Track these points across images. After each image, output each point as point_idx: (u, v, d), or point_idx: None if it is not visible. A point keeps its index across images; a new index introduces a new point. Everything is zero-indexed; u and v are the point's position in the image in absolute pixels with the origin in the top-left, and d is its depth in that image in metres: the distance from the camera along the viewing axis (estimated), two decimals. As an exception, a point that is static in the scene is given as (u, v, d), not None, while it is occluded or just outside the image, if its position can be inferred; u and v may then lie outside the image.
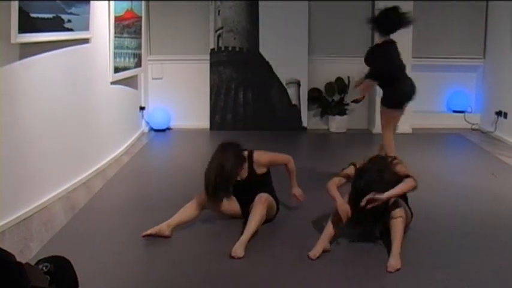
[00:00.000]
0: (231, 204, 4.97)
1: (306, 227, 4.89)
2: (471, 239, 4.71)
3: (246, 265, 4.19)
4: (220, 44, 9.14)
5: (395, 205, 4.37)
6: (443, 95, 9.36)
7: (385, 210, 4.36)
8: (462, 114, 9.22)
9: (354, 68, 9.11)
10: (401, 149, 7.78)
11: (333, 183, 4.60)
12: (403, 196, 4.58)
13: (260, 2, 9.07)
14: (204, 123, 9.24)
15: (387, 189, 4.27)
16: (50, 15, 5.35)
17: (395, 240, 4.24)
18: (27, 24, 4.89)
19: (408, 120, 8.97)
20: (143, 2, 8.31)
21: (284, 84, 9.17)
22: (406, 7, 8.72)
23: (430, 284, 3.90)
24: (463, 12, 9.28)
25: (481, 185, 6.20)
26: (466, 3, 9.20)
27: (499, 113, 8.56)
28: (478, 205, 5.62)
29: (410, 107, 9.06)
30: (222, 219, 5.10)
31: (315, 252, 4.29)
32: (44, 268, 2.87)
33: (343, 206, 4.40)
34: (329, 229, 4.44)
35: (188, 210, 4.80)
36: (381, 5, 8.79)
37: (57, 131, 5.67)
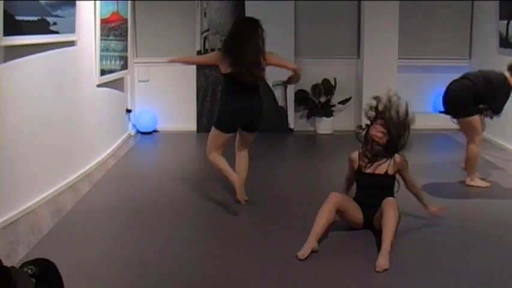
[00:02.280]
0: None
1: (294, 227, 4.88)
2: (459, 239, 4.74)
3: (235, 266, 4.18)
4: (206, 46, 9.13)
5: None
6: (429, 95, 9.39)
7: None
8: (448, 116, 9.24)
9: (340, 69, 9.17)
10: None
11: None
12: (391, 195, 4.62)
13: (246, 4, 9.07)
14: (191, 125, 9.22)
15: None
16: (35, 18, 5.33)
17: (385, 240, 4.25)
18: (12, 27, 4.87)
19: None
20: (129, 4, 8.30)
21: (270, 85, 9.16)
22: (392, 8, 8.86)
23: (418, 284, 3.92)
24: (449, 13, 9.32)
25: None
26: (452, 4, 9.24)
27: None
28: (465, 205, 5.65)
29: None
30: (211, 218, 5.10)
31: (304, 252, 4.29)
32: (29, 271, 2.85)
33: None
34: (317, 229, 4.44)
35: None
36: (367, 7, 8.87)
37: (43, 134, 5.64)
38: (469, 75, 6.12)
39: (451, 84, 6.15)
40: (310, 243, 4.36)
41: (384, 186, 4.71)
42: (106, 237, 4.84)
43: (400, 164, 4.74)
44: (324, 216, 4.45)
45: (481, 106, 5.93)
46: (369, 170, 4.73)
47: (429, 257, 4.34)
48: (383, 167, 4.71)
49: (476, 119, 5.98)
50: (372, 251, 4.38)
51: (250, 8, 9.04)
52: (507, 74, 5.96)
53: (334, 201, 4.51)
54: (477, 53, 9.12)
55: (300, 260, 4.24)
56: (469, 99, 5.95)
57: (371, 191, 4.72)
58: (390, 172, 4.71)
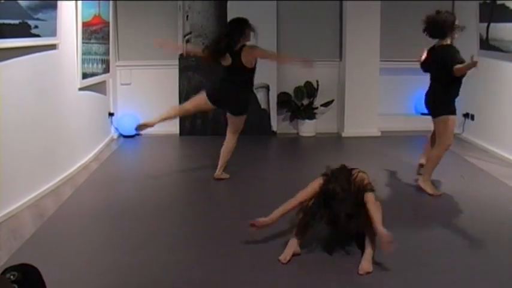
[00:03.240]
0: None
1: (278, 229, 4.89)
2: (441, 241, 4.76)
3: (217, 270, 4.18)
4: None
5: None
6: (411, 97, 9.44)
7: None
8: (430, 117, 9.30)
9: (323, 72, 9.18)
10: (370, 152, 7.87)
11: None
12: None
13: (229, 7, 9.07)
14: (174, 128, 9.20)
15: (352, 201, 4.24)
16: (16, 21, 5.29)
17: (369, 244, 4.26)
18: (-7, 30, 4.84)
19: (376, 122, 9.05)
20: (111, 7, 8.27)
21: (253, 88, 9.17)
22: (373, 10, 8.90)
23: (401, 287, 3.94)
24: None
25: (450, 186, 6.26)
26: (433, 6, 9.28)
27: (466, 115, 8.67)
28: (447, 206, 5.69)
29: (377, 109, 9.18)
30: (194, 222, 5.09)
31: (286, 255, 4.30)
32: (11, 277, 2.84)
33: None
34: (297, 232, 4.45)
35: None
36: (349, 8, 8.90)
37: (24, 138, 5.61)
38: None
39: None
40: (292, 247, 4.37)
41: None
42: (89, 241, 4.82)
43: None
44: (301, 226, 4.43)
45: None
46: None
47: (412, 258, 4.37)
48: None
49: (451, 119, 5.95)
50: (356, 254, 4.40)
51: (232, 10, 9.04)
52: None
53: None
54: (458, 55, 9.19)
55: (283, 263, 4.25)
56: (445, 97, 5.97)
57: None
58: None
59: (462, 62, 5.67)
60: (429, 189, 6.02)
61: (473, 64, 5.39)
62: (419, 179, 6.16)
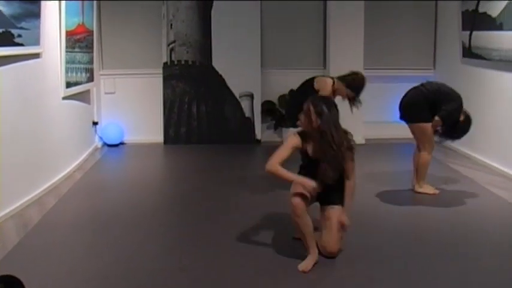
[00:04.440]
0: None
1: (264, 237, 4.88)
2: (422, 248, 4.77)
3: (202, 278, 4.17)
4: (173, 58, 9.12)
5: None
6: (395, 105, 9.46)
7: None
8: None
9: (307, 80, 9.18)
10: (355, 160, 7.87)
11: (275, 163, 4.47)
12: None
13: (212, 15, 9.08)
14: (158, 137, 9.19)
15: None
16: (0, 30, 5.27)
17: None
18: (-25, 39, 4.82)
19: (361, 130, 9.07)
20: (95, 16, 8.25)
21: (237, 97, 9.18)
22: (357, 18, 8.95)
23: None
24: (413, 24, 9.45)
25: (435, 193, 6.29)
26: (416, 14, 9.38)
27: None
28: (431, 213, 5.72)
29: (362, 117, 9.21)
30: (179, 230, 5.08)
31: (307, 265, 4.29)
32: (-6, 288, 2.82)
33: (307, 182, 4.26)
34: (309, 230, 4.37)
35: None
36: (332, 16, 8.94)
37: (7, 147, 5.56)
38: (425, 83, 6.26)
39: (407, 91, 6.37)
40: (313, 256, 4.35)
41: None
42: (73, 250, 4.79)
43: None
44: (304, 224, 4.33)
45: (436, 118, 6.01)
46: None
47: (386, 266, 4.38)
48: None
49: (427, 126, 6.10)
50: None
51: (216, 19, 9.07)
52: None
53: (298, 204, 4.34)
54: (441, 63, 9.25)
55: (304, 272, 4.23)
56: (421, 104, 6.11)
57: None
58: None
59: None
60: (428, 190, 6.28)
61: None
62: (416, 187, 6.32)
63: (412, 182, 6.41)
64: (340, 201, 4.49)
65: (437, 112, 5.99)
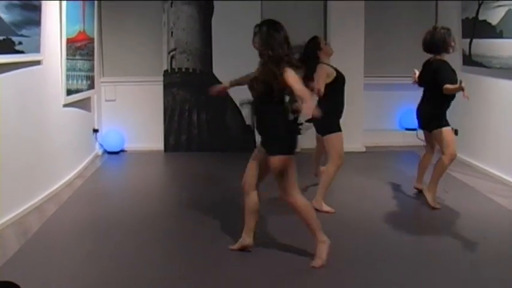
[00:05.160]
0: None
1: (264, 245, 4.88)
2: (422, 255, 4.77)
3: (202, 286, 4.16)
4: (173, 66, 9.12)
5: None
6: (395, 113, 9.50)
7: None
8: (414, 132, 9.31)
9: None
10: (355, 168, 7.87)
11: None
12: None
13: (213, 23, 9.10)
14: (158, 145, 9.19)
15: None
16: (0, 38, 5.28)
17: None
18: (-24, 47, 4.82)
19: (361, 138, 9.08)
20: (95, 23, 8.27)
21: (238, 104, 9.18)
22: (357, 26, 8.96)
23: None
24: (413, 31, 9.42)
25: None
26: (416, 22, 9.38)
27: (449, 130, 8.72)
28: (433, 220, 5.71)
29: (362, 125, 9.20)
30: (179, 238, 5.08)
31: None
32: (-6, 295, 2.82)
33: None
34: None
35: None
36: (332, 24, 8.96)
37: (8, 154, 5.56)
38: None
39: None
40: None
41: None
42: (73, 258, 4.78)
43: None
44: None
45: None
46: None
47: (401, 272, 4.38)
48: None
49: (445, 130, 6.01)
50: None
51: (216, 27, 9.09)
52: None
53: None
54: (441, 70, 9.26)
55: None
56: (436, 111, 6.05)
57: None
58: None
59: (453, 80, 5.79)
60: (430, 199, 6.08)
61: (461, 88, 5.50)
62: (424, 188, 6.24)
63: (416, 182, 6.44)
64: (272, 150, 4.61)
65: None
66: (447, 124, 6.06)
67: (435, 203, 6.07)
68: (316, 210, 6.01)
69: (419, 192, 6.40)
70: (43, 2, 6.11)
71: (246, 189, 4.70)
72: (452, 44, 6.04)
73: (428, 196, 6.11)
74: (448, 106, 6.06)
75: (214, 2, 9.10)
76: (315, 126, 6.10)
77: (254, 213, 4.71)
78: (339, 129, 6.04)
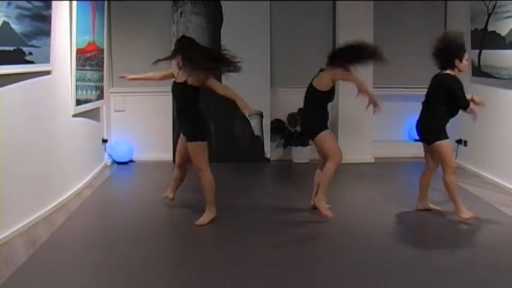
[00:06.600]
0: None
1: (271, 255, 4.87)
2: (429, 266, 4.75)
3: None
4: (182, 76, 9.13)
5: None
6: (404, 124, 9.48)
7: None
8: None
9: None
10: (364, 178, 7.86)
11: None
12: None
13: (222, 35, 9.12)
14: (167, 155, 9.20)
15: None
16: (11, 48, 5.31)
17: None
18: (-13, 57, 4.85)
19: (370, 149, 9.07)
20: (105, 34, 8.31)
21: (247, 115, 9.18)
22: (366, 38, 8.95)
23: None
24: (422, 42, 9.40)
25: (444, 212, 6.26)
26: (425, 33, 9.37)
27: (459, 141, 8.70)
28: (443, 232, 5.69)
29: (370, 136, 9.19)
30: (187, 248, 5.07)
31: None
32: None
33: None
34: None
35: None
36: (341, 36, 8.97)
37: (17, 164, 5.58)
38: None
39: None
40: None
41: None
42: (81, 268, 4.78)
43: None
44: None
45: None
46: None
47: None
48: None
49: (446, 144, 5.98)
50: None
51: (225, 40, 9.09)
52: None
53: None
54: (450, 81, 9.24)
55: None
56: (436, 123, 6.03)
57: None
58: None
59: (464, 95, 5.88)
60: (465, 214, 5.95)
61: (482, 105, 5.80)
62: (458, 213, 6.01)
63: (419, 201, 6.36)
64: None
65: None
66: (446, 137, 6.01)
67: (471, 214, 5.96)
68: (315, 208, 6.03)
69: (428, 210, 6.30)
70: (53, 12, 6.15)
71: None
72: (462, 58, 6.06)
73: (462, 214, 5.94)
74: (448, 120, 6.03)
75: (224, 12, 9.13)
76: (308, 135, 6.34)
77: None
78: (326, 127, 6.14)
